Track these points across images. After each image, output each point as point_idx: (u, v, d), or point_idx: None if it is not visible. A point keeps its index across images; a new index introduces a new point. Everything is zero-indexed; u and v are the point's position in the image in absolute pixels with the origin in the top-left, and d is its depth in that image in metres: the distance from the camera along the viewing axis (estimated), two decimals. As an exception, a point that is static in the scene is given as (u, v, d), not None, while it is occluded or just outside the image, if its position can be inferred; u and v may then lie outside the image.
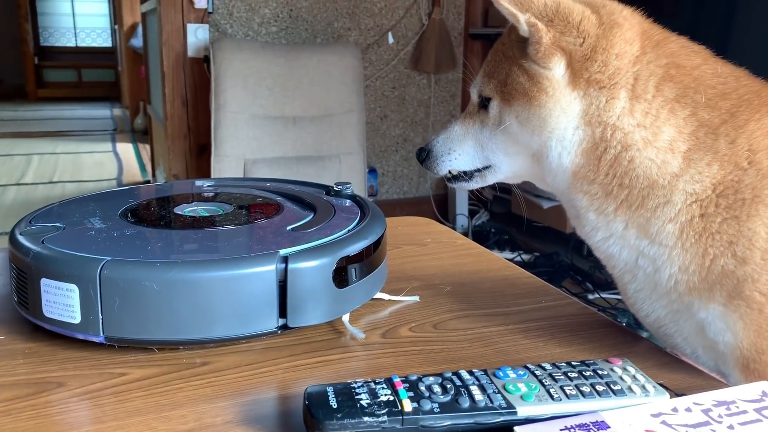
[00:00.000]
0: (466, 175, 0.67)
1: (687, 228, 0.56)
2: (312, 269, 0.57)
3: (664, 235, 0.57)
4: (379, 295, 0.68)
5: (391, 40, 3.12)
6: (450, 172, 0.68)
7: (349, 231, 0.64)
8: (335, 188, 0.78)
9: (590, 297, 2.45)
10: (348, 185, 0.78)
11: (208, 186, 0.82)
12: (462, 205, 3.25)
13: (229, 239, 0.62)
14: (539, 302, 0.71)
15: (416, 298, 0.71)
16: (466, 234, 3.10)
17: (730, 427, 0.42)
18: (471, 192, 3.24)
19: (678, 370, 0.58)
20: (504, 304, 0.71)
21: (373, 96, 3.17)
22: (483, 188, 0.70)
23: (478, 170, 0.67)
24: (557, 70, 0.58)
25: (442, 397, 0.45)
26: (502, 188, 0.68)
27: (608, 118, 0.57)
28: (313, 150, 2.60)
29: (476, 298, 0.72)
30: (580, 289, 2.53)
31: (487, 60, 0.65)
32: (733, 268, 0.54)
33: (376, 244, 0.65)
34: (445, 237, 0.94)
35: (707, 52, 0.60)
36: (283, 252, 0.57)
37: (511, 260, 2.90)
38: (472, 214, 3.27)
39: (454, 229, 3.25)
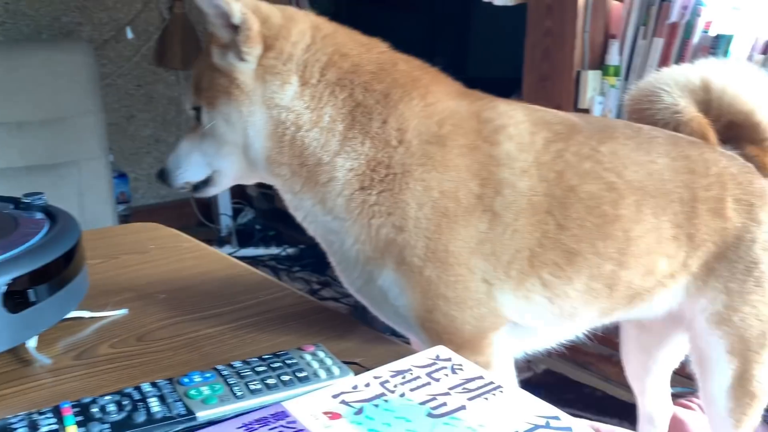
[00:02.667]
0: (203, 183, 0.70)
1: (351, 201, 0.62)
2: (-26, 296, 0.51)
3: (338, 209, 0.63)
4: (76, 313, 0.63)
5: (130, 35, 2.93)
6: (187, 183, 0.70)
7: (25, 248, 0.58)
8: (24, 200, 0.70)
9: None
10: (40, 196, 0.71)
11: None
12: (225, 205, 3.18)
13: None
14: (256, 297, 0.71)
15: (124, 311, 0.66)
16: (230, 235, 3.04)
17: (402, 394, 0.45)
18: (233, 189, 3.19)
19: (380, 345, 0.61)
20: (219, 304, 0.69)
21: (115, 95, 2.96)
22: (247, 185, 0.74)
23: (210, 177, 0.70)
24: (253, 62, 0.62)
25: (115, 415, 0.42)
26: (264, 184, 0.72)
27: (281, 100, 0.62)
28: (46, 158, 2.35)
29: (191, 302, 0.69)
30: (344, 275, 2.61)
31: (192, 75, 0.69)
32: (394, 236, 0.61)
33: (67, 258, 0.59)
34: (170, 242, 0.90)
35: (378, 44, 0.67)
36: (-67, 280, 0.50)
37: (276, 255, 2.91)
38: (237, 212, 3.21)
39: (219, 231, 3.16)
